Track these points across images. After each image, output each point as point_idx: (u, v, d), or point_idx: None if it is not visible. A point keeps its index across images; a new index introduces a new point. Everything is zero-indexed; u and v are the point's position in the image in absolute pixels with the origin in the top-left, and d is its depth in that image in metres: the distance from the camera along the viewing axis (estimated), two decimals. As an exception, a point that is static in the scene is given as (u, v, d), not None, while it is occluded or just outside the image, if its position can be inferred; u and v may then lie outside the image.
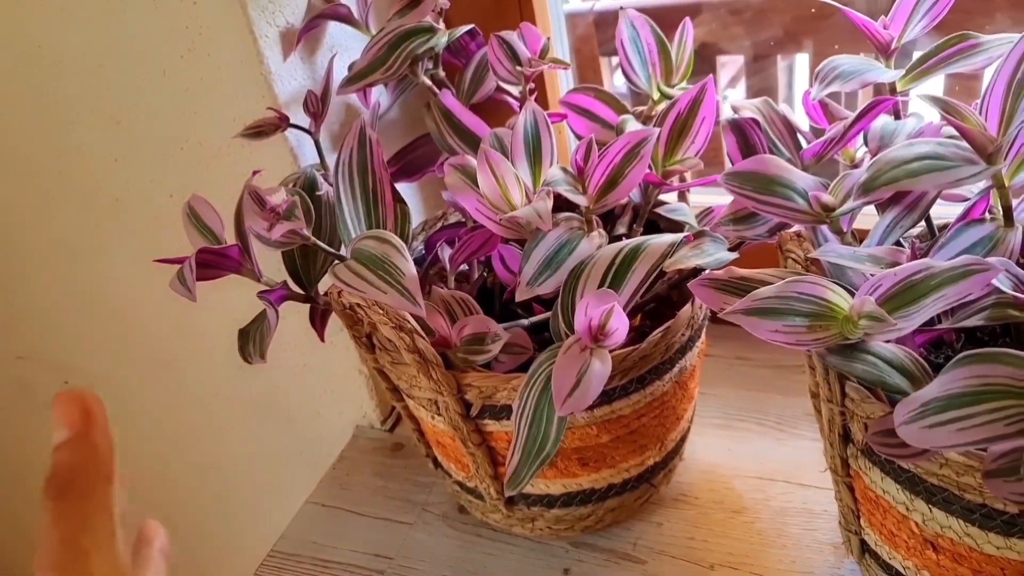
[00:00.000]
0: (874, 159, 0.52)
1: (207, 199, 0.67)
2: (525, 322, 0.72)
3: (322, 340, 0.76)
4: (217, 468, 1.17)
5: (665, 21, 0.90)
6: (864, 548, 0.64)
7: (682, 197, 0.76)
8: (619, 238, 0.75)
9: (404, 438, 0.94)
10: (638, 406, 0.67)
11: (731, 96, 1.38)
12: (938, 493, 0.53)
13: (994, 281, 0.48)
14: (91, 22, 0.76)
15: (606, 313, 0.50)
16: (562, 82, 0.94)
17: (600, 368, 0.50)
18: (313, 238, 0.58)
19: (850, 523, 0.64)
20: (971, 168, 0.51)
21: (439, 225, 0.83)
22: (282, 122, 0.68)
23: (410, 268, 0.55)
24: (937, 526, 0.54)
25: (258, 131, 0.68)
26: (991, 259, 0.48)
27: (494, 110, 0.85)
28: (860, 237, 0.62)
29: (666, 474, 0.76)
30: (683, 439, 0.76)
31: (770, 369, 0.91)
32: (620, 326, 0.50)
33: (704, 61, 1.01)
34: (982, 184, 0.56)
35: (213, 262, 0.64)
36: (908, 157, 0.52)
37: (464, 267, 0.79)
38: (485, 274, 0.79)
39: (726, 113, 0.68)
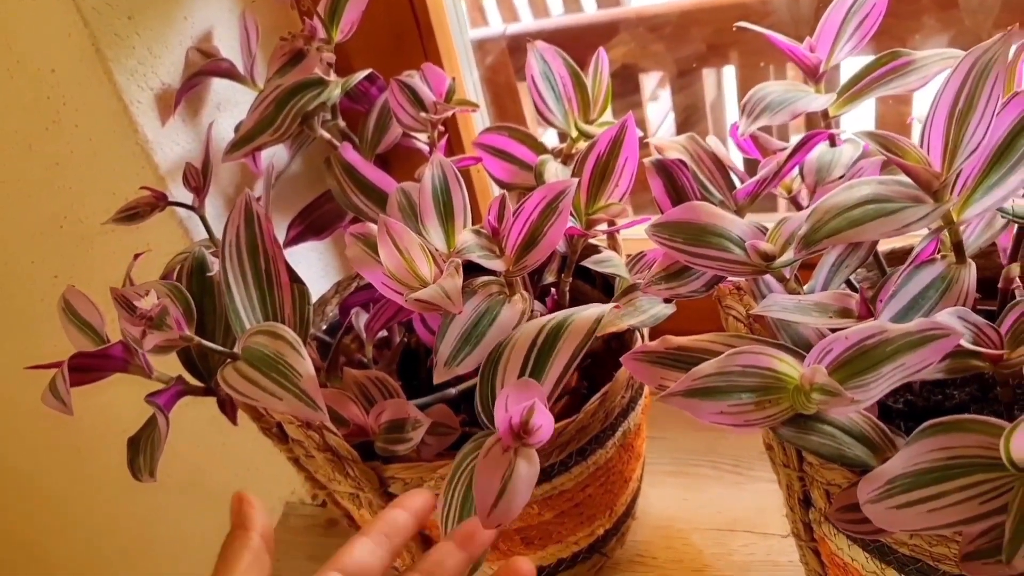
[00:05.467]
0: (813, 207, 0.47)
1: (83, 292, 0.60)
2: (453, 391, 0.66)
3: (234, 424, 0.69)
4: (145, 552, 1.09)
5: (582, 42, 0.85)
6: (836, 613, 0.59)
7: (612, 240, 0.70)
8: (547, 289, 0.69)
9: (338, 514, 0.87)
10: (581, 478, 0.61)
11: (654, 109, 1.33)
12: (910, 563, 0.48)
13: (953, 337, 0.44)
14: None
15: (527, 410, 0.44)
16: (477, 117, 0.88)
17: (527, 470, 0.44)
18: (197, 338, 0.51)
19: (818, 587, 0.59)
20: (918, 209, 0.46)
21: (353, 286, 0.77)
22: (159, 201, 0.61)
23: (307, 368, 0.48)
24: (912, 598, 0.49)
25: (132, 214, 0.61)
26: (950, 318, 0.44)
27: (405, 156, 0.79)
28: (806, 273, 0.57)
29: (619, 539, 0.71)
30: (634, 499, 0.71)
31: (721, 405, 0.86)
32: (544, 423, 0.44)
33: (627, 81, 0.96)
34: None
35: (93, 365, 0.57)
36: (850, 203, 0.47)
37: (383, 332, 0.72)
38: (406, 338, 0.73)
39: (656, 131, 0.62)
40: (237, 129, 0.66)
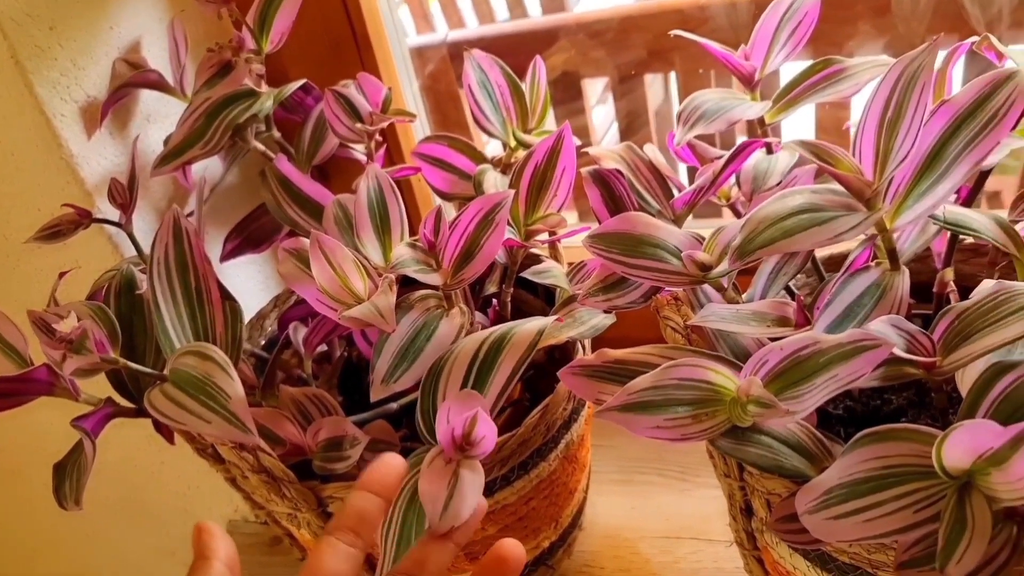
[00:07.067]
0: (747, 218, 0.47)
1: (7, 312, 0.57)
2: (394, 406, 0.65)
3: (171, 444, 0.67)
4: (83, 574, 1.06)
5: (525, 48, 0.84)
6: (781, 621, 0.59)
7: (553, 249, 0.70)
8: (489, 299, 0.69)
9: (280, 532, 0.85)
10: (524, 492, 0.60)
11: (600, 115, 1.33)
12: (850, 571, 0.48)
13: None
14: None
15: (469, 421, 0.43)
16: (419, 126, 0.87)
17: (471, 478, 0.44)
18: (123, 360, 0.49)
19: (763, 595, 0.59)
20: (851, 218, 0.46)
21: (292, 300, 0.75)
22: (83, 218, 0.59)
23: (236, 389, 0.47)
24: (853, 604, 0.49)
25: (54, 232, 0.59)
26: (883, 327, 0.44)
27: (344, 167, 0.78)
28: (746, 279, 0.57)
29: (565, 550, 0.70)
30: (580, 510, 0.70)
31: (667, 411, 0.86)
32: (487, 433, 0.44)
33: (570, 87, 0.96)
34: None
35: (16, 390, 0.55)
36: (783, 213, 0.46)
37: (323, 347, 0.71)
38: (347, 352, 0.72)
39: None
40: (167, 142, 0.64)
